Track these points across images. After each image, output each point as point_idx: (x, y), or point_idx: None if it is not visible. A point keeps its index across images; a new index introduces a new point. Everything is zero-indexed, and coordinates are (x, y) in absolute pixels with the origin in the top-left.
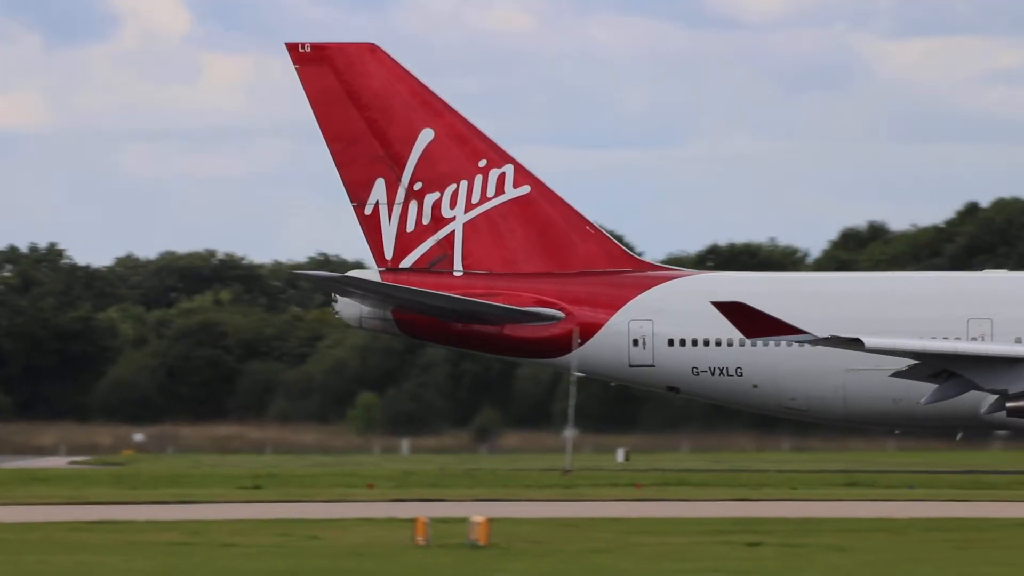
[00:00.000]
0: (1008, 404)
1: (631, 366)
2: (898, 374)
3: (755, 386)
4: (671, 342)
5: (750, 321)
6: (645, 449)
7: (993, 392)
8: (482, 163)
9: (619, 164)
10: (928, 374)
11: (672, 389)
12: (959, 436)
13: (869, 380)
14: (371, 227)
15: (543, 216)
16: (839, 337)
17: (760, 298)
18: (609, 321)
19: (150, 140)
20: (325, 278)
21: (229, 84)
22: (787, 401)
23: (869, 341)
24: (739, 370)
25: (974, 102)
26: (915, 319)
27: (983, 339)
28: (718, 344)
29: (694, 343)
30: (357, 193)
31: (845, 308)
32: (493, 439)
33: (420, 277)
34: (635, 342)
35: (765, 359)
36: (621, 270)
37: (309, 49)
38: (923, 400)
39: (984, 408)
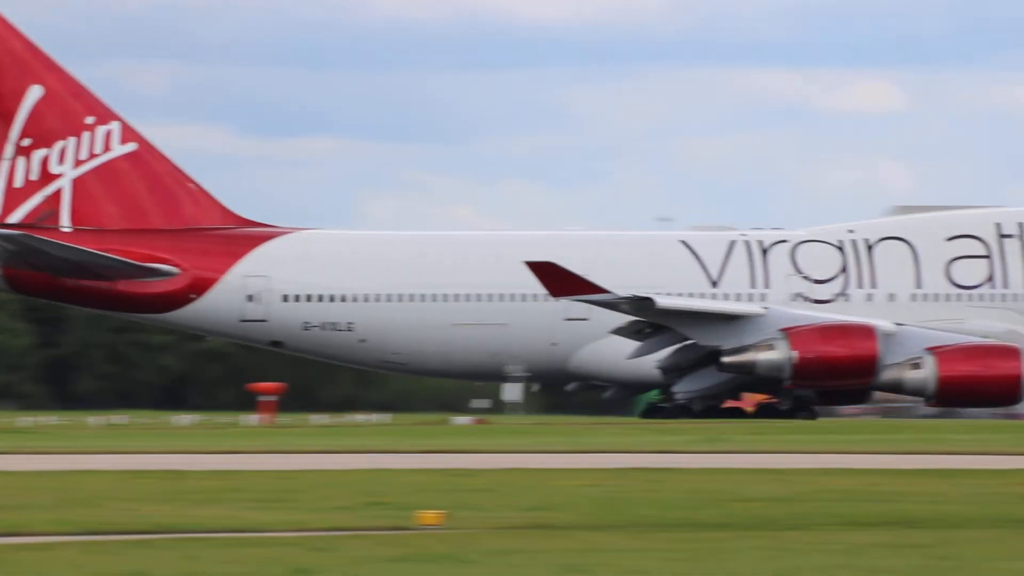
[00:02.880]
0: (724, 359)
1: (243, 321)
2: (618, 331)
3: (363, 340)
4: (285, 298)
5: (559, 281)
6: None
7: (708, 347)
8: (90, 120)
9: None
10: (637, 330)
11: (275, 344)
12: (535, 387)
13: (472, 335)
14: None
15: (150, 173)
16: (637, 296)
17: (354, 256)
18: (224, 277)
19: None
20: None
21: None
22: (390, 355)
23: (660, 301)
24: (350, 325)
25: None
26: (510, 277)
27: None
28: (331, 300)
29: (308, 299)
30: None
31: (396, 271)
32: None
33: (28, 233)
34: (250, 297)
35: (376, 314)
36: (228, 227)
37: None
38: (627, 355)
39: (657, 364)
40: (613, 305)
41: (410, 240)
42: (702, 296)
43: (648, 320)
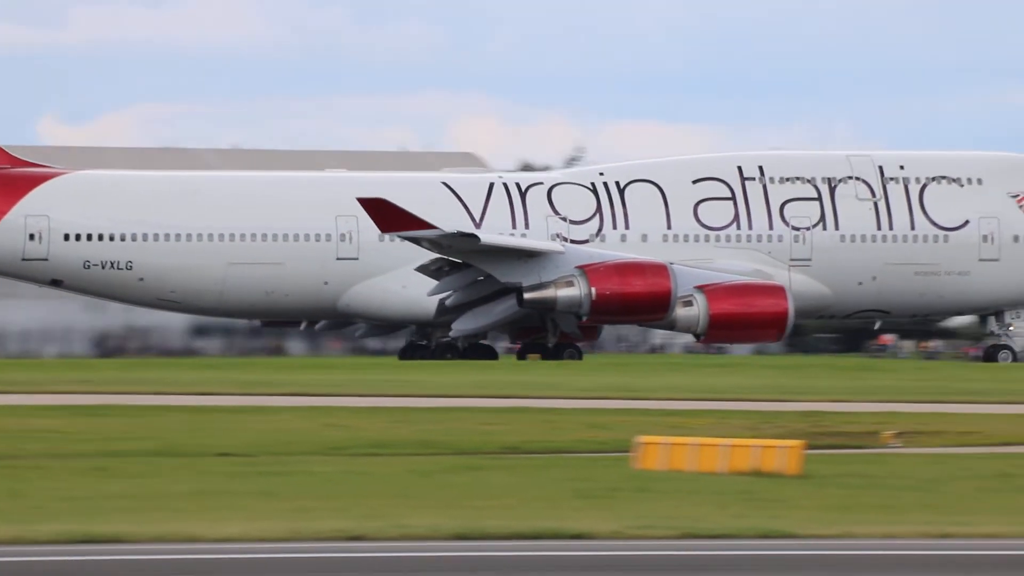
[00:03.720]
0: (525, 296)
1: (24, 260)
2: (420, 268)
3: (141, 279)
4: (67, 236)
5: (389, 217)
6: None
7: (509, 285)
8: None
9: None
10: (437, 268)
11: (56, 283)
12: (315, 326)
13: (247, 274)
14: None
15: None
16: (462, 232)
17: (133, 195)
18: (5, 217)
19: None
20: None
21: None
22: (167, 294)
23: (484, 237)
24: (129, 264)
25: None
26: (285, 217)
27: (350, 236)
28: (111, 239)
29: (89, 238)
30: None
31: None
32: None
33: None
34: (31, 236)
35: (154, 253)
36: (5, 167)
37: None
38: (428, 292)
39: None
40: (434, 242)
41: (188, 180)
42: None
43: (453, 258)
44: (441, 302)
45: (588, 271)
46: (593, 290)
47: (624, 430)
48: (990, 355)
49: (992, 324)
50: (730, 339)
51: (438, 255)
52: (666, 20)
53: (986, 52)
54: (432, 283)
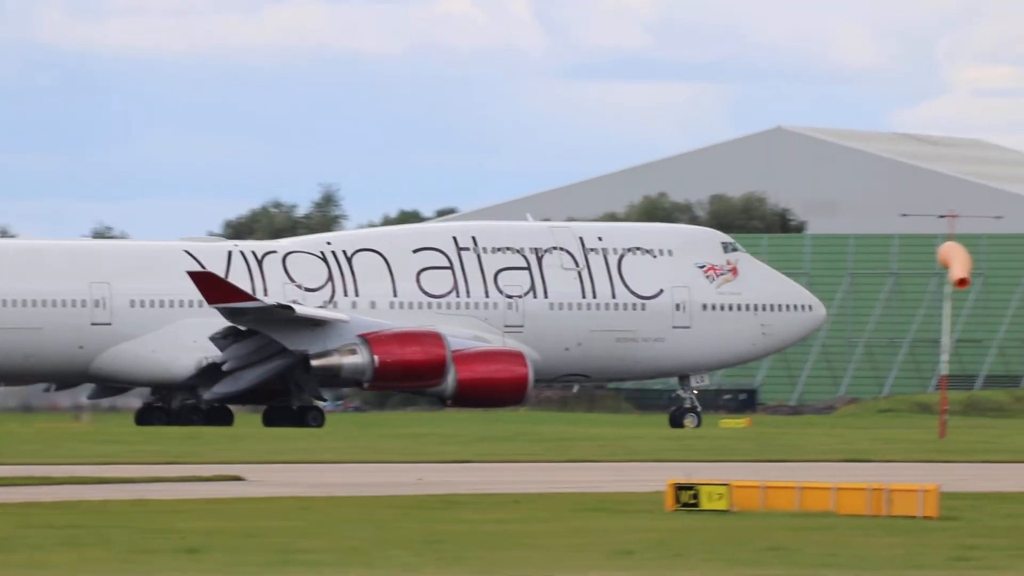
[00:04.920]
0: (313, 363)
1: None
2: (213, 337)
3: None
4: None
5: (215, 289)
6: None
7: (296, 351)
8: None
9: None
10: (227, 335)
11: None
12: (52, 388)
13: (4, 338)
14: None
15: None
16: (281, 304)
17: None
18: None
19: None
20: None
21: None
22: None
23: (299, 309)
24: None
25: None
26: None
27: (104, 302)
28: None
29: None
30: None
31: None
32: None
33: None
34: None
35: None
36: None
37: None
38: (219, 357)
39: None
40: (239, 311)
41: None
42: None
43: (243, 326)
44: (209, 366)
45: (370, 339)
46: (376, 358)
47: None
48: (677, 419)
49: (679, 388)
50: (476, 403)
51: (231, 323)
52: None
53: None
54: (198, 348)
